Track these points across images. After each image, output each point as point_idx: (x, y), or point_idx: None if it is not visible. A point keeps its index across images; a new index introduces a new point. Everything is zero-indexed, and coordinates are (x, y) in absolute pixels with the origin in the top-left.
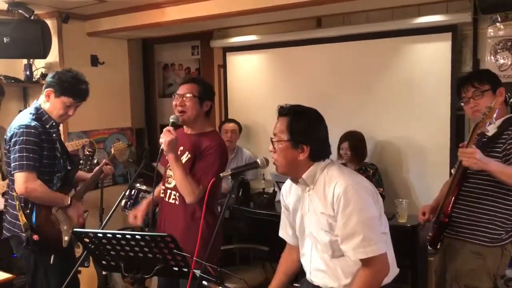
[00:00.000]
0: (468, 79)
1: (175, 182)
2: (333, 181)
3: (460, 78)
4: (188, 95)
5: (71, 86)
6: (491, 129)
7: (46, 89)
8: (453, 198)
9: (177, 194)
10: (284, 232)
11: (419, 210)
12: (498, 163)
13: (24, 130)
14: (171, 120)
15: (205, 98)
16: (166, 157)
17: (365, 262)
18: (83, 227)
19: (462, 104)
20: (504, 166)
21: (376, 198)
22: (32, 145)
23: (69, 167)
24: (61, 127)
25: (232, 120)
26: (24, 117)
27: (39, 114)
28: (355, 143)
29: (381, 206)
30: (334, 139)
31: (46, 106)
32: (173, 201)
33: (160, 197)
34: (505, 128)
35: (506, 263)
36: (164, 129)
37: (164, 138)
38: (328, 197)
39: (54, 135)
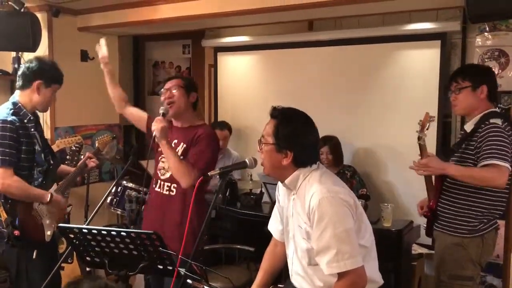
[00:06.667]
0: (456, 72)
1: (170, 167)
2: (311, 191)
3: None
4: (174, 87)
5: (56, 73)
6: (469, 126)
7: (35, 82)
8: (436, 194)
9: (173, 185)
10: (274, 226)
11: (417, 204)
12: (457, 167)
13: (0, 125)
14: (161, 111)
15: (190, 89)
16: (159, 147)
17: (340, 275)
18: (68, 221)
19: (449, 95)
20: (462, 168)
21: (354, 210)
22: (8, 140)
23: (51, 162)
24: (48, 122)
25: (225, 126)
26: (1, 112)
27: (17, 109)
28: (334, 146)
29: (360, 219)
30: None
31: (23, 99)
32: (167, 192)
33: (154, 191)
34: (478, 125)
35: (489, 251)
36: (155, 118)
37: (156, 125)
38: (305, 206)
39: (32, 129)
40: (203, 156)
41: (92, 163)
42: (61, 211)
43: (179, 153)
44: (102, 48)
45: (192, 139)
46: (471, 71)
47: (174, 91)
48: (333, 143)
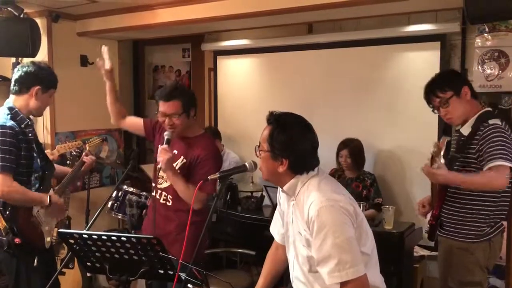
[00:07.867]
0: (430, 89)
1: (180, 194)
2: (310, 199)
3: (425, 87)
4: (174, 116)
5: (53, 78)
6: (465, 129)
7: (34, 88)
8: (440, 201)
9: (169, 195)
10: (275, 229)
11: (418, 203)
12: (458, 175)
13: (0, 130)
14: (165, 138)
15: (189, 109)
16: (164, 172)
17: (342, 285)
18: (68, 227)
19: (434, 112)
20: (464, 176)
21: (354, 218)
22: (8, 145)
23: (46, 167)
24: (48, 127)
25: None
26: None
27: (13, 114)
28: (354, 150)
29: (361, 226)
30: (324, 146)
31: (19, 104)
32: (164, 202)
33: (152, 196)
34: (477, 127)
35: (496, 254)
36: (160, 148)
37: (162, 158)
38: (304, 214)
39: (30, 134)
40: None
41: (89, 160)
42: (61, 212)
43: (177, 167)
44: (106, 62)
45: (193, 158)
46: (445, 80)
47: (175, 119)
48: (353, 146)
